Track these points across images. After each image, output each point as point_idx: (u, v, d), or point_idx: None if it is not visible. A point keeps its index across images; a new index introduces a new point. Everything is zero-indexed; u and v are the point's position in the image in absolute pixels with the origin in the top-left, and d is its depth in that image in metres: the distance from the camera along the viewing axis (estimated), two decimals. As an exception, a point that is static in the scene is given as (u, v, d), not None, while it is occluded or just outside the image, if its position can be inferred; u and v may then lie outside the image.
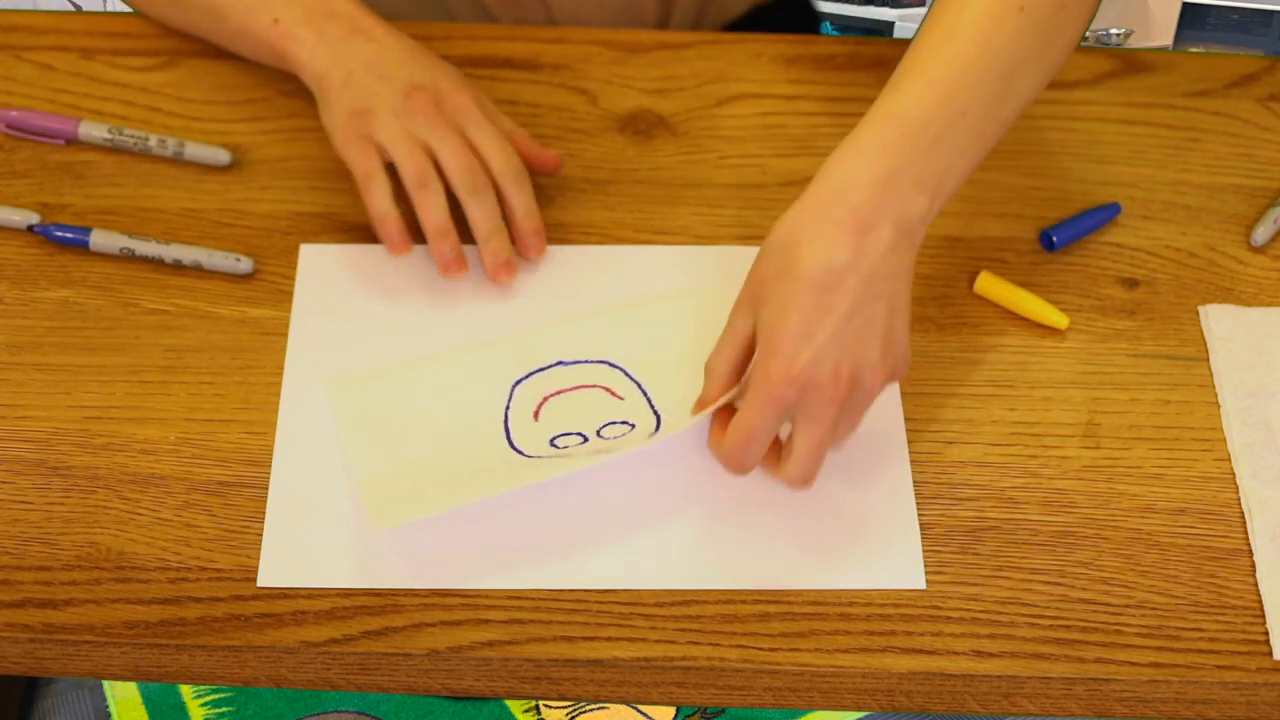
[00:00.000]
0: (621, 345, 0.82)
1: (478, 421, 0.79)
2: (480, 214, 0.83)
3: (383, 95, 0.83)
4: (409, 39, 0.87)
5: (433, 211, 0.82)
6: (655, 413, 0.80)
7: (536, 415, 0.80)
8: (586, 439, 0.79)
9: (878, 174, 0.72)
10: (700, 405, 0.76)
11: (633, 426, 0.80)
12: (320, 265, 0.86)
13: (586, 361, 0.82)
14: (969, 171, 0.76)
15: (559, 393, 0.81)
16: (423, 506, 0.75)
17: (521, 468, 0.77)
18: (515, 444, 0.79)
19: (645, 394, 0.81)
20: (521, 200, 0.84)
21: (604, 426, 0.80)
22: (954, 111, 0.74)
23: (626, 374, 0.82)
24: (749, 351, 0.74)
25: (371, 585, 0.75)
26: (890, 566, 0.76)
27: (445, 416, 0.79)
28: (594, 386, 0.81)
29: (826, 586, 0.75)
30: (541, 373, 0.81)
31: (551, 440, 0.79)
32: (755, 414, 0.71)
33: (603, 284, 0.86)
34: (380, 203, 0.83)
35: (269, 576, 0.75)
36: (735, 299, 0.75)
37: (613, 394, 0.81)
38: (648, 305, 0.84)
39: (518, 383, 0.81)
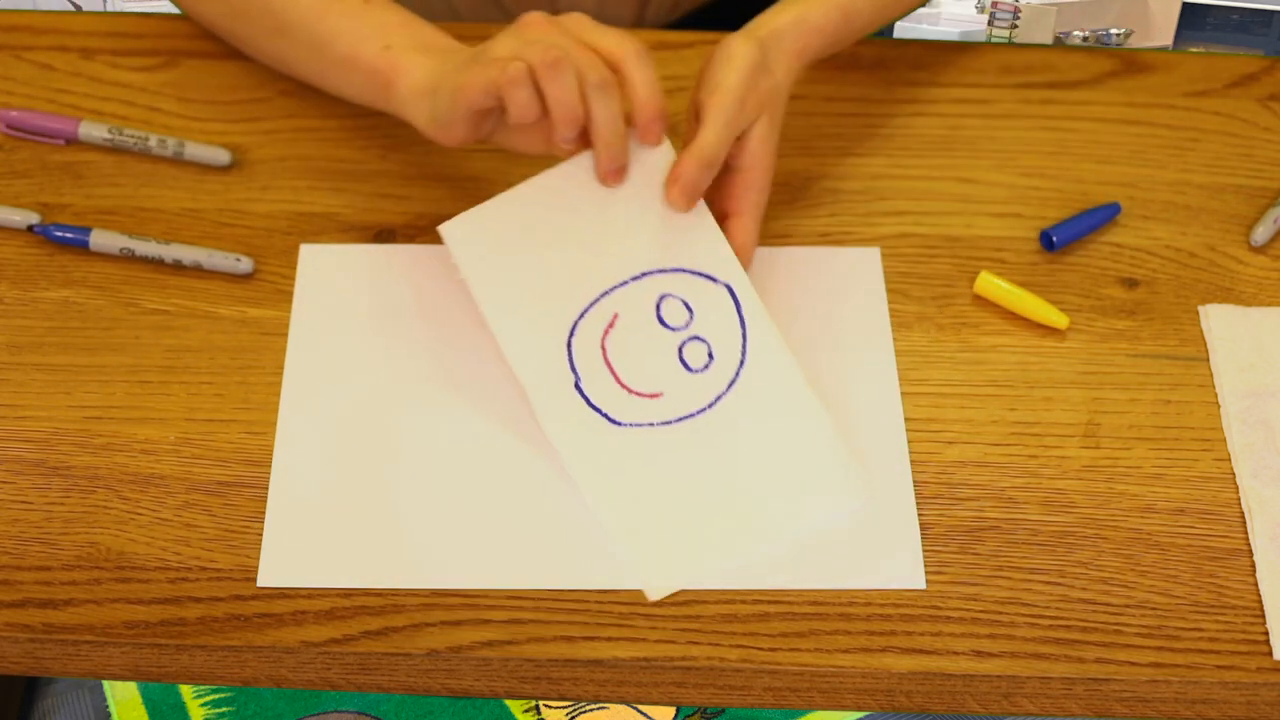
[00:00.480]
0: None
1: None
2: (604, 113, 0.77)
3: (494, 38, 0.79)
4: None
5: (562, 89, 0.76)
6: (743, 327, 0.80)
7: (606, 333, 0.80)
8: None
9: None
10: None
11: (712, 358, 0.80)
12: (320, 265, 0.86)
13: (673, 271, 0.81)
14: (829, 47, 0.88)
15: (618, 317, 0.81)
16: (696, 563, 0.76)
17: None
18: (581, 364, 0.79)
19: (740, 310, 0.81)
20: (646, 78, 0.78)
21: (686, 343, 0.80)
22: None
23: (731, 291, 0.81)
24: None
25: (371, 585, 0.75)
26: (890, 566, 0.76)
27: None
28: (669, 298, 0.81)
29: (827, 586, 0.75)
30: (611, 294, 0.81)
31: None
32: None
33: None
34: (515, 69, 0.76)
35: (269, 577, 0.75)
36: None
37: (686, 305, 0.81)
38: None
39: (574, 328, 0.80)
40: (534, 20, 0.78)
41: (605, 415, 0.78)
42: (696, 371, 0.79)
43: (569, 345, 0.79)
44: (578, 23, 0.78)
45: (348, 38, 0.84)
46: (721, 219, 0.81)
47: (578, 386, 0.78)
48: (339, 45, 0.85)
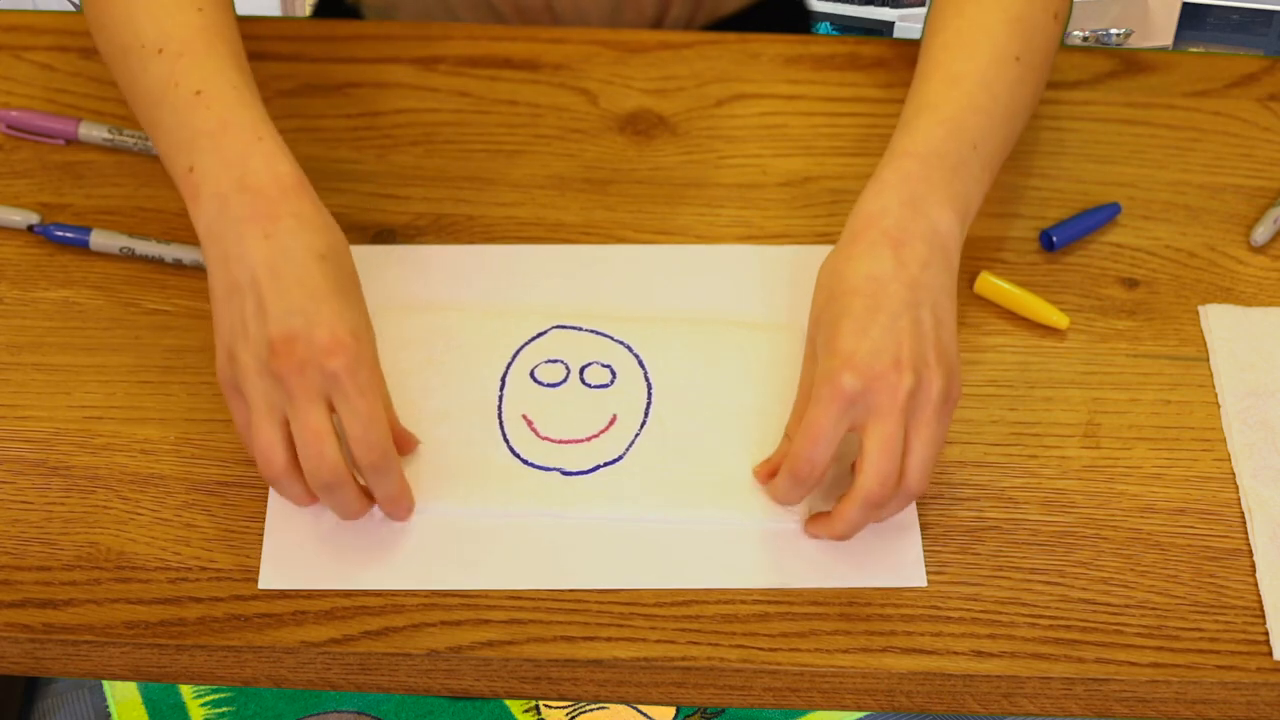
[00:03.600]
0: (650, 347, 0.82)
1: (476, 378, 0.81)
2: (386, 490, 0.74)
3: (252, 343, 0.71)
4: (313, 231, 0.73)
5: (292, 498, 0.74)
6: (647, 381, 0.81)
7: (532, 372, 0.81)
8: (569, 371, 0.80)
9: (903, 199, 0.75)
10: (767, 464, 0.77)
11: (614, 376, 0.80)
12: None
13: (597, 334, 0.82)
14: (981, 199, 0.79)
15: (547, 362, 0.82)
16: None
17: (520, 479, 0.78)
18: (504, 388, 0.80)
19: (642, 366, 0.81)
20: (383, 491, 0.74)
21: (586, 367, 0.81)
22: (966, 144, 0.78)
23: (631, 351, 0.82)
24: None
25: (371, 586, 0.75)
26: (891, 564, 0.76)
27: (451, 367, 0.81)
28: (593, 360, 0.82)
29: (828, 585, 0.75)
30: (542, 337, 0.82)
31: (532, 370, 0.81)
32: (820, 411, 0.71)
33: (607, 285, 0.86)
34: (268, 468, 0.72)
35: (270, 578, 0.75)
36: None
37: (610, 371, 0.82)
38: (700, 325, 0.83)
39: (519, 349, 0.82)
40: (284, 369, 0.70)
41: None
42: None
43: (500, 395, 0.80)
44: (331, 382, 0.70)
45: (165, 141, 0.77)
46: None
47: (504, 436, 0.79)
48: (160, 143, 0.78)
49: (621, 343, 0.82)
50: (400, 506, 0.75)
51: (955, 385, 0.73)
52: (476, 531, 0.76)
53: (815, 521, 0.76)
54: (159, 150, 0.78)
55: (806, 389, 0.75)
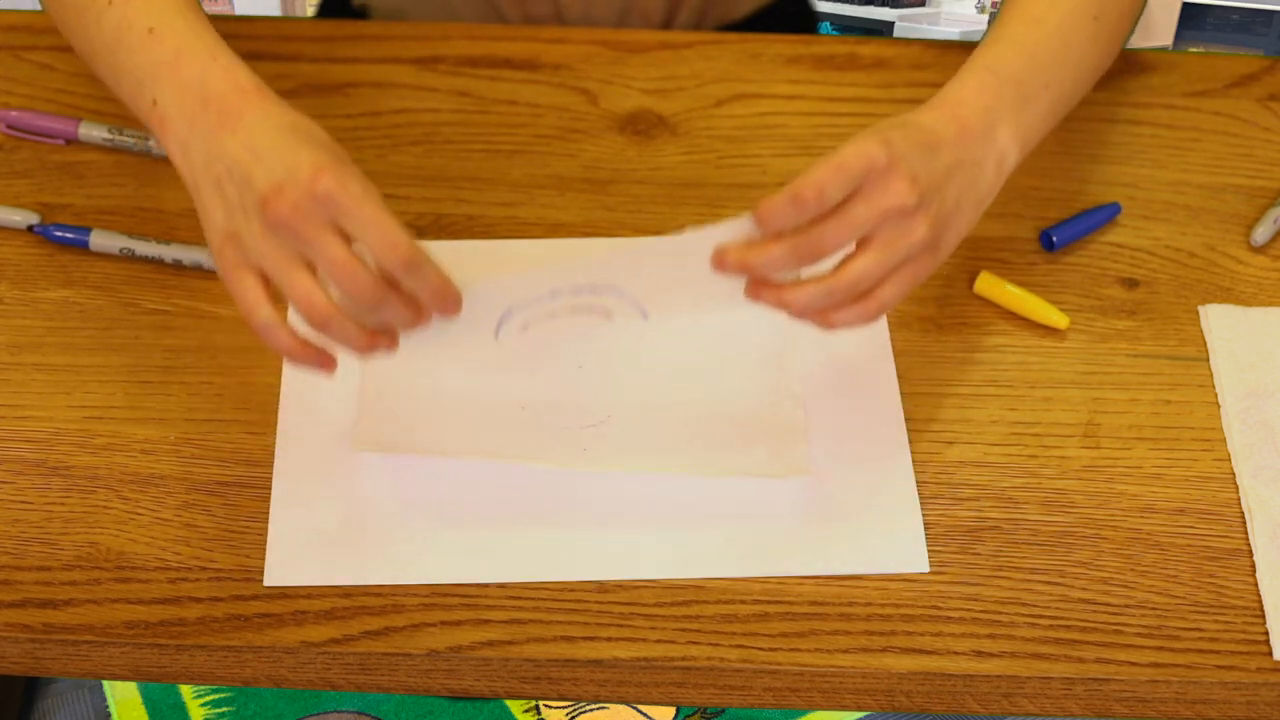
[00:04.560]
0: (625, 274, 0.81)
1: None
2: (389, 318, 0.74)
3: (248, 211, 0.71)
4: (279, 114, 0.75)
5: (344, 341, 0.73)
6: (643, 312, 0.81)
7: (523, 332, 0.81)
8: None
9: (979, 107, 0.78)
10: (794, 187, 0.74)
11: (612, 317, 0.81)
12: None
13: (589, 289, 0.82)
14: (1037, 143, 0.82)
15: (549, 319, 0.81)
16: (406, 444, 0.77)
17: (514, 434, 0.78)
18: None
19: (641, 306, 0.82)
20: (424, 287, 0.73)
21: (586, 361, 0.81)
22: (1039, 82, 0.81)
23: (626, 295, 0.82)
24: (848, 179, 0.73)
25: (376, 581, 0.75)
26: (894, 550, 0.76)
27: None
28: (587, 311, 0.81)
29: (830, 573, 0.75)
30: (535, 302, 0.81)
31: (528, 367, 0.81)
32: (839, 156, 0.71)
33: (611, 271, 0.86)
34: (277, 341, 0.73)
35: (275, 576, 0.75)
36: None
37: (605, 312, 0.81)
38: (663, 241, 0.80)
39: (508, 313, 0.81)
40: (283, 216, 0.70)
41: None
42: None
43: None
44: (329, 204, 0.70)
45: (128, 81, 0.79)
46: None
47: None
48: (124, 86, 0.80)
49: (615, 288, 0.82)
50: (448, 297, 0.74)
51: (943, 245, 0.75)
52: (479, 525, 0.76)
53: (773, 287, 0.75)
54: (123, 96, 0.80)
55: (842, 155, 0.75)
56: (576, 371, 0.82)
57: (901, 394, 0.82)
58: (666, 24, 1.05)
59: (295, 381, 0.82)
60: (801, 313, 0.74)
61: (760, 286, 0.74)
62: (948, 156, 0.75)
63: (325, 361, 0.74)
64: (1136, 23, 0.89)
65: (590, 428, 0.79)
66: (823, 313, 0.75)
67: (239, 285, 0.72)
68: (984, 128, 0.77)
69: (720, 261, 0.73)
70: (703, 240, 0.74)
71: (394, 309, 0.72)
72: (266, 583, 0.74)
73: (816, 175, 0.71)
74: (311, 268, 0.71)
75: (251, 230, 0.71)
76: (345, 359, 0.82)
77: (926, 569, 0.76)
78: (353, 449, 0.78)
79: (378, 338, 0.74)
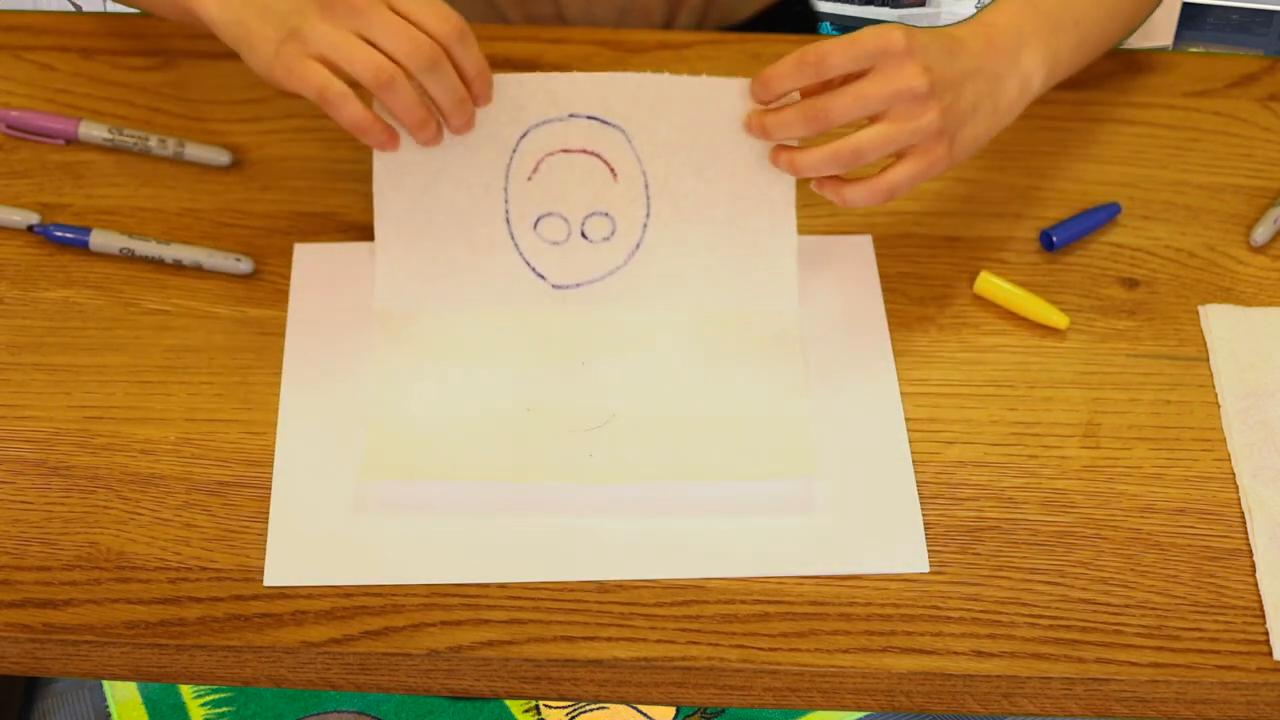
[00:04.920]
0: (642, 115, 0.82)
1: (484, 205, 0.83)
2: (440, 90, 0.77)
3: (301, 10, 0.76)
4: None
5: (404, 107, 0.77)
6: (647, 200, 0.82)
7: (532, 175, 0.82)
8: (569, 228, 0.82)
9: (1010, 30, 0.81)
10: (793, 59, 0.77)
11: (614, 230, 0.83)
12: (315, 264, 0.86)
13: (601, 121, 0.82)
14: (1064, 75, 0.86)
15: (562, 151, 0.82)
16: (413, 469, 0.77)
17: (521, 463, 0.78)
18: (510, 214, 0.83)
19: (645, 178, 0.82)
20: (470, 59, 0.78)
21: (589, 217, 0.82)
22: (1070, 18, 0.84)
23: (634, 151, 0.82)
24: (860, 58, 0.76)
25: (377, 581, 0.75)
26: (894, 552, 0.76)
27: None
28: (596, 156, 0.82)
29: (830, 573, 0.75)
30: (551, 124, 0.82)
31: (535, 222, 0.82)
32: (856, 35, 0.74)
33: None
34: (351, 111, 0.77)
35: (275, 576, 0.75)
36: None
37: (611, 171, 0.82)
38: (686, 81, 0.81)
39: (525, 133, 0.82)
40: (341, 1, 0.75)
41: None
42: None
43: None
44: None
45: None
46: None
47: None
48: None
49: (614, 125, 0.82)
50: (485, 79, 0.79)
51: (957, 144, 0.78)
52: (479, 525, 0.76)
53: (785, 149, 0.79)
54: (158, 9, 0.86)
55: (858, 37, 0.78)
56: (580, 369, 0.82)
57: (901, 394, 0.82)
58: (667, 25, 1.05)
59: (294, 381, 0.82)
60: (810, 174, 0.78)
61: (775, 151, 0.79)
62: (969, 62, 0.78)
63: (391, 137, 0.78)
64: None
65: (595, 430, 0.79)
66: (835, 186, 0.79)
67: (306, 72, 0.76)
68: (1011, 46, 0.80)
69: (744, 125, 0.79)
70: (714, 90, 0.79)
71: (446, 75, 0.76)
72: (266, 583, 0.74)
73: (824, 43, 0.75)
74: (370, 42, 0.75)
75: (309, 21, 0.75)
76: (344, 365, 0.82)
77: (926, 569, 0.76)
78: (360, 481, 0.77)
79: (430, 117, 0.78)
